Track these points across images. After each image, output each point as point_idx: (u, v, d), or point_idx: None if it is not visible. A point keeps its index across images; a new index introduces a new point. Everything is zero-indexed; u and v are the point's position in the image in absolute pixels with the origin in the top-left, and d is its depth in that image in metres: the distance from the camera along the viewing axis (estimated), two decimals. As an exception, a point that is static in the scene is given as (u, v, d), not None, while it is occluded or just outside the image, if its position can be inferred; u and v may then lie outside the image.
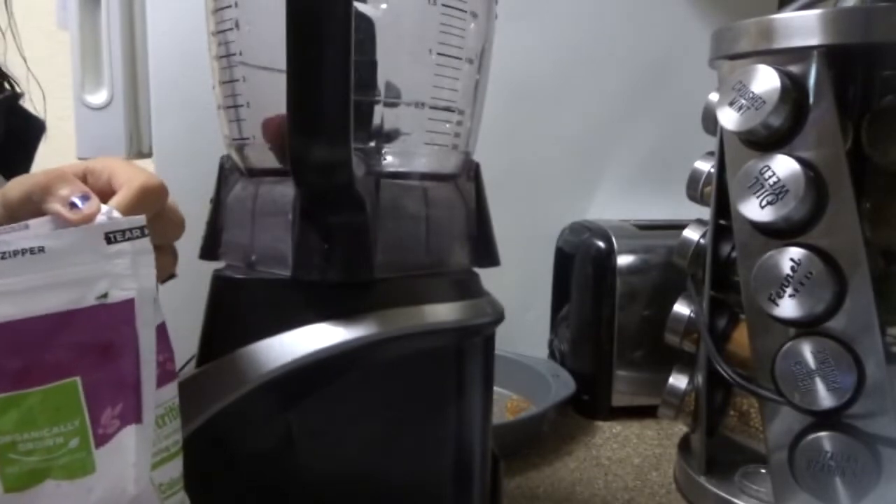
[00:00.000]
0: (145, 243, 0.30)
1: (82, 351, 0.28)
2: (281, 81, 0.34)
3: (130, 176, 0.32)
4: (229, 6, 0.43)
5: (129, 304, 0.29)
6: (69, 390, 0.28)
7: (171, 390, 0.32)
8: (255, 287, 0.40)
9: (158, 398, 0.30)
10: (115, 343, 0.29)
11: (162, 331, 0.31)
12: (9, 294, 0.27)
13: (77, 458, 0.28)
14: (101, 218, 0.30)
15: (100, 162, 0.33)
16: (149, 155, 0.84)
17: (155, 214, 0.33)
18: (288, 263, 0.39)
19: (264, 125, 0.43)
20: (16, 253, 0.27)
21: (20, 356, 0.27)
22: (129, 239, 0.29)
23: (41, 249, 0.27)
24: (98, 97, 0.82)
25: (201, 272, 0.42)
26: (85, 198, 0.30)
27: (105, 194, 0.32)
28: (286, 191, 0.39)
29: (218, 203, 0.44)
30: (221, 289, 0.41)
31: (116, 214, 0.30)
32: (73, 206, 0.30)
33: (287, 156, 0.35)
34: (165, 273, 0.36)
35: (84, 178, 0.33)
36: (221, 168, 0.45)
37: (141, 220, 0.30)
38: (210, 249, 0.44)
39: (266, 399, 0.38)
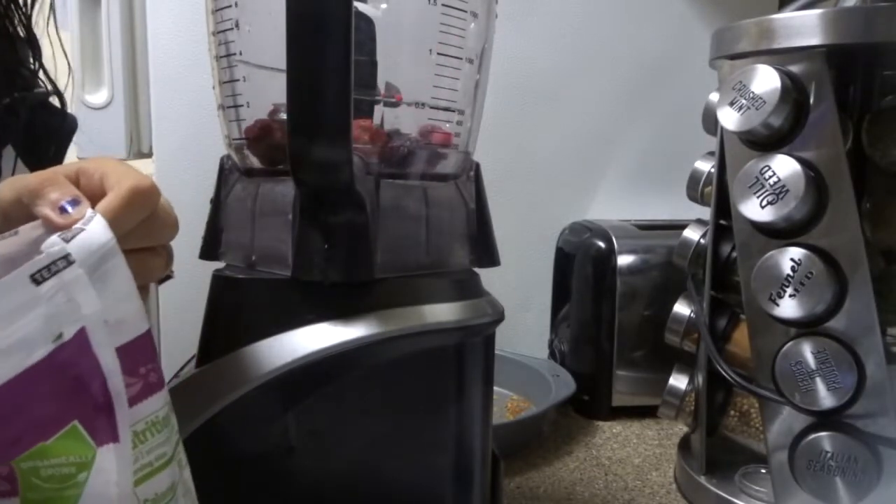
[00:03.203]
0: (73, 270, 0.28)
1: (66, 394, 0.27)
2: (281, 81, 0.34)
3: (120, 178, 0.32)
4: (229, 6, 0.43)
5: (81, 334, 0.28)
6: (74, 435, 0.27)
7: (153, 403, 0.30)
8: (255, 287, 0.40)
9: (137, 413, 0.29)
10: (82, 374, 0.28)
11: (142, 342, 0.30)
12: None
13: (80, 490, 0.27)
14: (79, 227, 0.29)
15: (92, 162, 0.33)
16: (149, 155, 0.84)
17: (147, 215, 0.32)
18: (288, 263, 0.39)
19: (248, 134, 0.43)
20: None
21: (9, 425, 0.26)
22: (55, 273, 0.28)
23: None
24: (98, 97, 0.82)
25: (201, 272, 0.42)
26: (74, 202, 0.30)
27: (97, 196, 0.31)
28: (286, 191, 0.39)
29: (218, 203, 0.44)
30: (221, 289, 0.41)
31: (96, 221, 0.29)
32: (62, 210, 0.29)
33: (271, 158, 0.35)
34: (159, 274, 0.35)
35: (77, 179, 0.32)
36: (221, 168, 0.45)
37: (61, 250, 0.28)
38: (210, 249, 0.44)
39: (266, 399, 0.38)
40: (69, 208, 0.30)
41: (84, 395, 0.28)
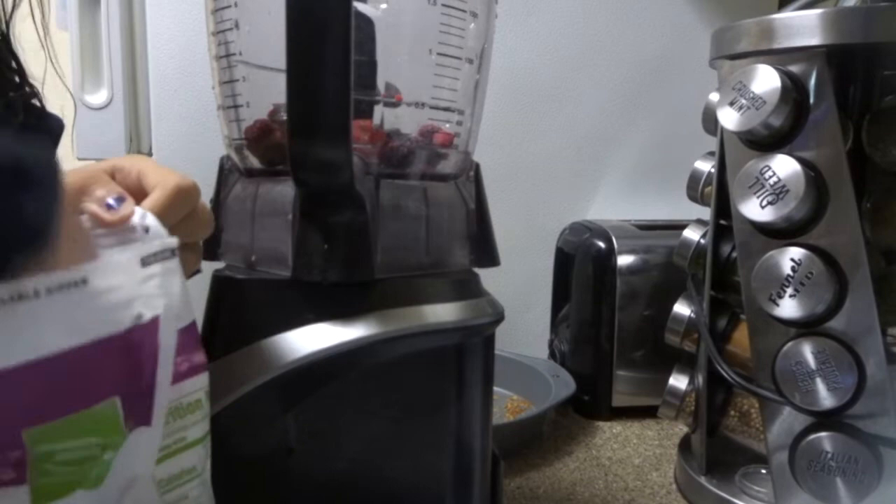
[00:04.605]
0: (174, 263, 0.30)
1: (120, 370, 0.28)
2: (281, 81, 0.34)
3: (164, 176, 0.33)
4: (229, 6, 0.43)
5: (155, 321, 0.29)
6: (110, 409, 0.28)
7: (177, 390, 0.32)
8: (255, 287, 0.40)
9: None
10: (142, 356, 0.29)
11: (187, 332, 0.31)
12: (58, 327, 0.27)
13: (105, 470, 0.28)
14: (135, 220, 0.30)
15: (127, 160, 0.34)
16: (149, 155, 0.84)
17: (187, 213, 0.33)
18: (288, 263, 0.39)
19: (248, 135, 0.43)
20: (61, 287, 0.27)
21: (70, 383, 0.27)
22: (160, 260, 0.30)
23: (84, 281, 0.27)
24: (98, 97, 0.82)
25: (201, 272, 0.42)
26: (120, 199, 0.31)
27: (134, 193, 0.32)
28: (286, 191, 0.39)
29: (218, 203, 0.44)
30: (221, 289, 0.41)
31: (151, 218, 0.31)
32: (108, 207, 0.30)
33: (271, 158, 0.35)
34: (192, 269, 0.37)
35: (112, 177, 0.33)
36: (221, 168, 0.45)
37: (173, 242, 0.31)
38: (210, 249, 0.44)
39: (266, 399, 0.38)
40: (115, 205, 0.30)
41: (135, 377, 0.29)
